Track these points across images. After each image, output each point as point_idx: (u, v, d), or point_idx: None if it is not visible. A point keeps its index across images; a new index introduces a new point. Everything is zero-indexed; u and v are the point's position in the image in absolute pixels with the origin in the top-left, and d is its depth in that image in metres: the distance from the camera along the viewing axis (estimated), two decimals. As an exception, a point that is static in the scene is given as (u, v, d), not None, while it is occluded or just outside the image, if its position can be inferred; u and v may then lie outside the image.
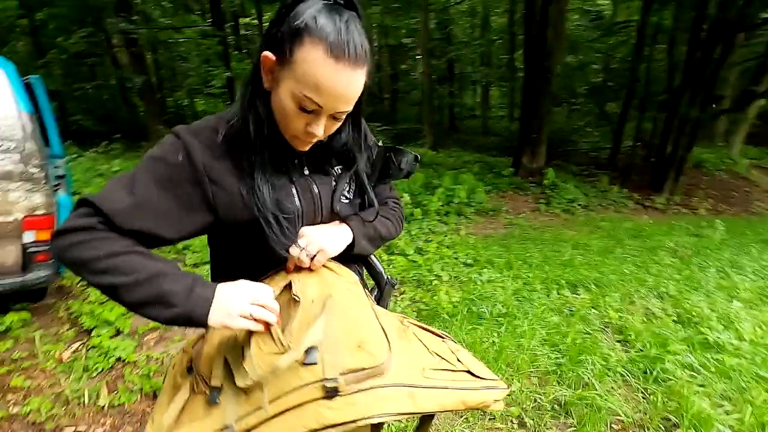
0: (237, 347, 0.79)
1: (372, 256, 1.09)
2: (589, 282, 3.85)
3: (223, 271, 0.94)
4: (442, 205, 6.63)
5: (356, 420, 0.67)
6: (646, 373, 2.43)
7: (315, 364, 0.70)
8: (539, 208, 7.59)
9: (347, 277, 0.90)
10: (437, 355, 0.86)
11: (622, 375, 2.40)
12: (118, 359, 2.51)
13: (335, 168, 0.95)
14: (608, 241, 5.58)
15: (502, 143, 15.31)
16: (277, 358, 0.71)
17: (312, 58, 0.70)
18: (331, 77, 0.71)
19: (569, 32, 11.91)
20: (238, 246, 0.90)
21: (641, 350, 2.66)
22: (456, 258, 4.56)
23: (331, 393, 0.68)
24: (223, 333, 0.82)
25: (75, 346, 2.70)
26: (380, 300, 1.10)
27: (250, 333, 0.77)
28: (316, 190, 0.91)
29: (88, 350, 2.63)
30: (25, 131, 2.64)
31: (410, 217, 6.04)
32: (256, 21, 17.17)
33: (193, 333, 0.91)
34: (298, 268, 0.87)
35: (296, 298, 0.79)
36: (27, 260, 2.70)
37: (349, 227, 0.93)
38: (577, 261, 4.46)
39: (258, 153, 0.81)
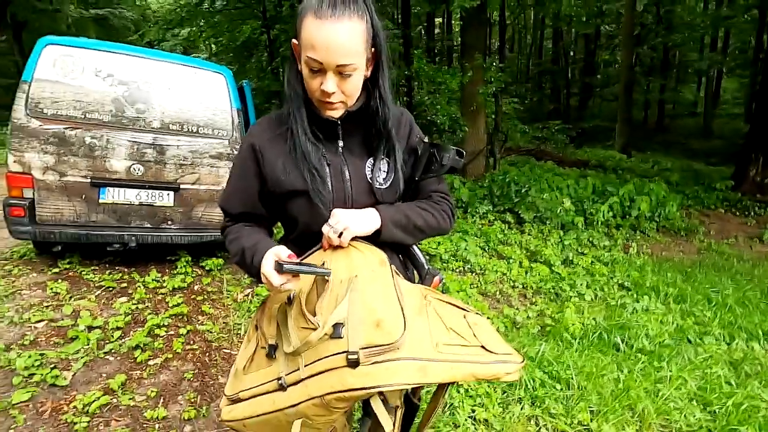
0: (282, 312, 0.96)
1: (414, 247, 1.12)
2: (805, 340, 2.84)
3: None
4: (613, 216, 5.76)
5: (372, 387, 0.78)
6: None
7: (341, 338, 0.83)
8: (762, 235, 5.83)
9: (374, 255, 0.96)
10: (453, 330, 0.92)
11: (805, 470, 1.76)
12: (270, 308, 3.13)
13: (374, 155, 1.03)
14: None
15: (728, 149, 12.14)
16: (310, 333, 0.86)
17: (306, 26, 0.86)
18: (319, 33, 0.84)
19: None
20: (287, 219, 1.07)
21: None
22: (611, 278, 3.95)
23: (352, 363, 0.80)
24: (276, 300, 0.98)
25: (247, 291, 3.47)
26: None
27: (287, 305, 0.94)
28: (348, 175, 1.00)
29: (253, 296, 3.35)
30: (233, 123, 3.49)
31: (570, 224, 5.47)
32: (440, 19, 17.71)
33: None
34: (332, 248, 0.98)
35: (326, 278, 0.92)
36: (227, 220, 3.59)
37: (378, 212, 0.99)
38: (794, 310, 3.32)
39: (299, 123, 0.97)
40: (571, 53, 21.01)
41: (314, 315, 0.87)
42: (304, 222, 1.01)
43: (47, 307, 2.77)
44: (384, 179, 1.03)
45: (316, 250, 1.00)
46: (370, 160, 1.03)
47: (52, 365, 2.21)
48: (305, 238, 1.03)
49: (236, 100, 3.55)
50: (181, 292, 3.26)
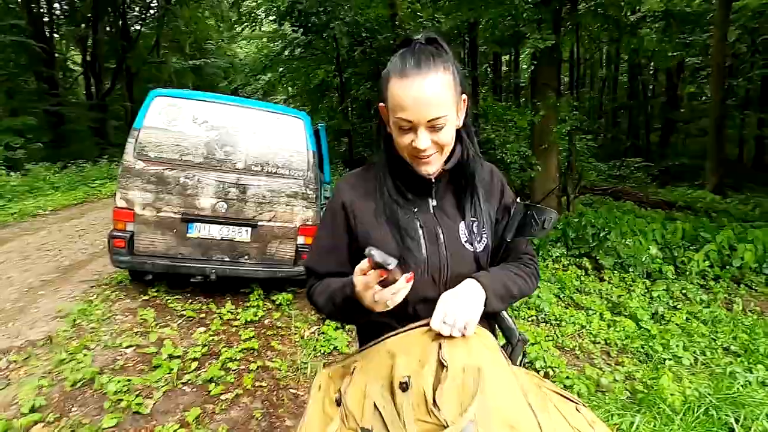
0: (384, 395, 0.83)
1: (503, 312, 1.05)
2: None
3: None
4: (710, 267, 5.13)
5: None
6: None
7: None
8: None
9: (488, 339, 0.89)
10: (577, 430, 0.83)
11: None
12: (335, 348, 3.11)
13: (467, 215, 0.97)
14: None
15: None
16: (433, 428, 0.74)
17: (392, 88, 0.85)
18: (405, 91, 0.82)
19: None
20: None
21: None
22: (714, 339, 3.47)
23: None
24: (367, 376, 0.88)
25: (314, 328, 3.50)
26: (511, 356, 1.05)
27: (403, 391, 0.81)
28: (442, 238, 0.94)
29: (319, 334, 3.36)
30: (308, 164, 3.66)
31: (657, 274, 4.96)
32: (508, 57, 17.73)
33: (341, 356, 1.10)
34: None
35: (444, 363, 0.81)
36: (298, 256, 3.70)
37: (480, 285, 0.91)
38: None
39: (385, 184, 0.95)
40: (650, 87, 19.86)
41: (434, 405, 0.76)
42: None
43: (136, 333, 2.99)
44: (479, 242, 0.97)
45: (422, 326, 0.89)
46: (464, 223, 0.97)
47: (137, 392, 2.34)
48: (395, 307, 0.92)
49: (312, 143, 3.73)
50: (252, 325, 3.36)
